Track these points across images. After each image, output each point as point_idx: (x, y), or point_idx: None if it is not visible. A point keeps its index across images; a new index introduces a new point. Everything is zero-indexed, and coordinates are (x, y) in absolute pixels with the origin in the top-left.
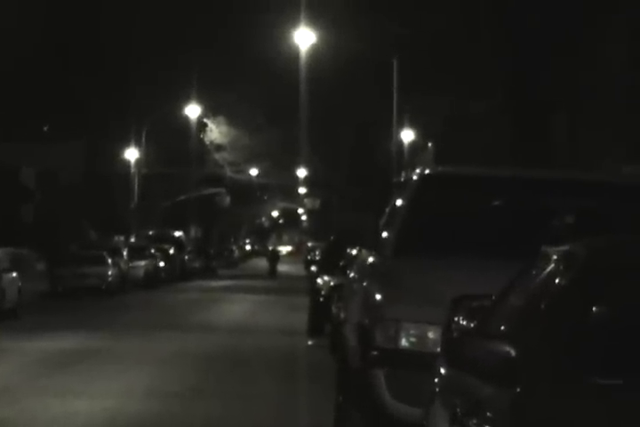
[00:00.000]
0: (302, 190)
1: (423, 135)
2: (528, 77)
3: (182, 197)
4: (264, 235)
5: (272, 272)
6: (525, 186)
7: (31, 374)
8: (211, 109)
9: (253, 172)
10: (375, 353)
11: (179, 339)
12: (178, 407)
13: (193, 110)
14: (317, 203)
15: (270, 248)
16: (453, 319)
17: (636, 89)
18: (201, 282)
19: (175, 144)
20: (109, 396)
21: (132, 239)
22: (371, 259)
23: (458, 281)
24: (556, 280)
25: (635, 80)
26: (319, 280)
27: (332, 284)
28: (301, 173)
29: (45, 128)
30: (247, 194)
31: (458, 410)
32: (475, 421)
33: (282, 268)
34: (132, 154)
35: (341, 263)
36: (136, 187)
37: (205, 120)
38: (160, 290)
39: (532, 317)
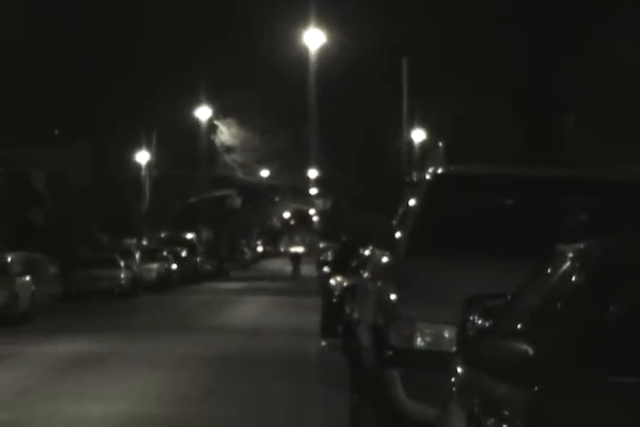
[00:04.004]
0: (313, 191)
1: (434, 135)
2: (537, 77)
3: (193, 199)
4: (275, 236)
5: (296, 273)
6: (538, 184)
7: (45, 378)
8: (221, 111)
9: (264, 173)
10: (390, 353)
11: (192, 341)
12: (191, 410)
13: (203, 112)
14: (329, 204)
15: (292, 251)
16: (468, 319)
17: None
18: (213, 284)
19: (186, 146)
20: (123, 399)
21: (144, 242)
22: (384, 259)
23: (472, 281)
24: (572, 278)
25: None
26: (332, 281)
27: (344, 284)
28: (312, 173)
29: (55, 131)
30: (258, 195)
31: (475, 409)
32: (492, 420)
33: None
34: (142, 156)
35: (354, 264)
36: (147, 189)
37: (216, 122)
38: (173, 292)
39: (549, 315)
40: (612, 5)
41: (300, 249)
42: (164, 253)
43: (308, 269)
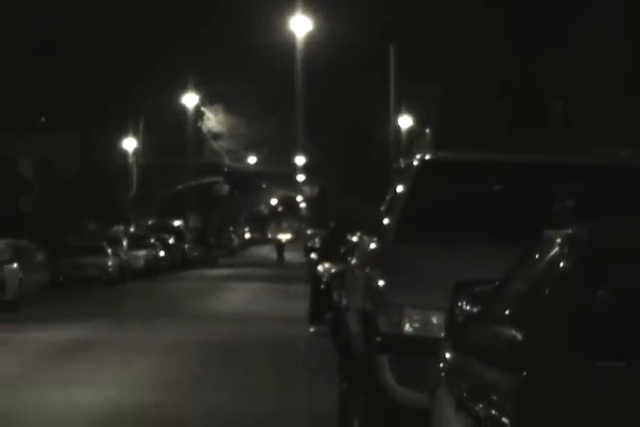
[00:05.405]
0: (301, 178)
1: (420, 121)
2: (524, 64)
3: (181, 187)
4: (263, 223)
5: (280, 260)
6: (526, 171)
7: (33, 365)
8: (208, 98)
9: (251, 160)
10: (379, 339)
11: (180, 328)
12: (181, 396)
13: (190, 99)
14: (316, 190)
15: (278, 237)
16: (457, 304)
17: (632, 74)
18: (201, 271)
19: (173, 133)
20: (112, 386)
21: (132, 229)
22: (372, 245)
23: (460, 266)
24: (560, 264)
25: (630, 65)
26: (320, 267)
27: (332, 271)
28: (300, 160)
29: (42, 119)
30: (245, 182)
31: (463, 395)
32: (480, 405)
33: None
34: (129, 144)
35: (342, 250)
36: (134, 176)
37: (203, 109)
38: (160, 279)
39: (537, 301)
40: None
41: (286, 236)
42: (152, 241)
43: (295, 256)
